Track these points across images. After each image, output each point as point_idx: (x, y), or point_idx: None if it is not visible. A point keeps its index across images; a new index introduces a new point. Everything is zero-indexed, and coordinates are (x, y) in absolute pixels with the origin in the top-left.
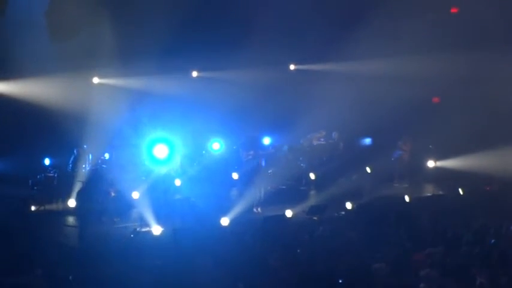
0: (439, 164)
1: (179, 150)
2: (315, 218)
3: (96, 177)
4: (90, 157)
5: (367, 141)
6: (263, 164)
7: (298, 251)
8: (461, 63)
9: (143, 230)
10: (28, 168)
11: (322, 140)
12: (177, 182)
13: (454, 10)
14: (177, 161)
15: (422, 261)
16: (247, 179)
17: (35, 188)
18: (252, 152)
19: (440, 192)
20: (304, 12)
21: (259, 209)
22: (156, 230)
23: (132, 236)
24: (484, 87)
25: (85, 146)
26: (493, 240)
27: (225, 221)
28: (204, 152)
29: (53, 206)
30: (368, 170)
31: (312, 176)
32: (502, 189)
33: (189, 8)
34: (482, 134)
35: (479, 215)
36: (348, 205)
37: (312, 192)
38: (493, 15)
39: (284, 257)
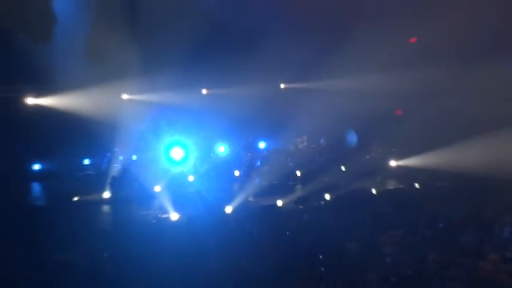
0: (400, 163)
1: (192, 153)
2: (301, 206)
3: (125, 174)
4: (121, 158)
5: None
6: (259, 163)
7: (288, 233)
8: (420, 81)
9: (163, 216)
10: (71, 167)
11: (305, 143)
12: (190, 178)
13: (412, 40)
14: (191, 161)
15: (386, 241)
16: (246, 176)
17: (77, 182)
18: (250, 154)
19: (401, 186)
20: (291, 44)
21: (252, 198)
22: (174, 216)
23: (154, 221)
24: (438, 100)
25: (116, 149)
26: (441, 225)
27: (228, 209)
28: (212, 154)
29: (91, 197)
30: (343, 168)
31: (298, 173)
32: (451, 183)
33: (200, 38)
34: (435, 139)
35: (432, 205)
36: (327, 196)
37: (298, 186)
38: (448, 41)
39: (276, 238)
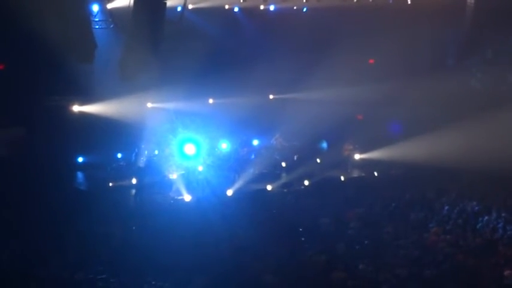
0: (362, 156)
1: (202, 148)
2: (285, 190)
3: (149, 165)
4: (146, 152)
5: (324, 144)
6: (252, 156)
7: (274, 211)
8: (377, 92)
9: (178, 197)
10: (107, 159)
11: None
12: (200, 168)
13: (371, 61)
14: (200, 155)
15: (352, 217)
16: (243, 166)
17: (112, 171)
18: (246, 149)
19: (363, 174)
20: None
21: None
22: (187, 197)
23: (172, 201)
24: (390, 107)
25: (142, 145)
26: (394, 204)
27: (229, 192)
28: (216, 149)
29: (122, 183)
30: (318, 160)
31: (283, 164)
32: (402, 172)
33: (207, 60)
34: (389, 137)
35: (387, 189)
36: (306, 182)
37: (283, 175)
38: (397, 62)
39: (266, 215)
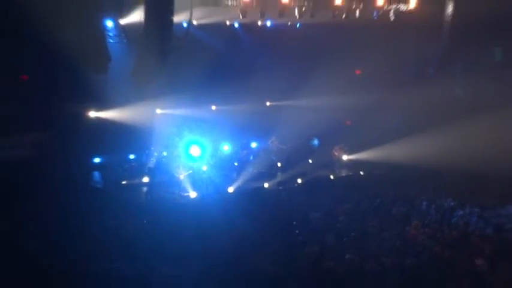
0: (350, 157)
1: (206, 150)
2: (280, 187)
3: (158, 165)
4: (155, 154)
5: (315, 141)
6: (251, 157)
7: (270, 206)
8: (363, 100)
9: (185, 194)
10: (120, 160)
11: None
12: (204, 168)
13: (357, 72)
14: (205, 156)
15: (339, 212)
16: (242, 166)
17: (124, 171)
18: (245, 151)
19: (350, 173)
20: (274, 75)
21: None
22: (192, 194)
23: (179, 198)
24: (376, 113)
25: (152, 148)
26: (378, 200)
27: (230, 190)
28: (219, 151)
29: (134, 181)
30: (310, 161)
31: (279, 164)
32: (385, 172)
33: (211, 71)
34: (374, 140)
35: (372, 187)
36: (299, 180)
37: (279, 174)
38: (382, 72)
39: (263, 210)
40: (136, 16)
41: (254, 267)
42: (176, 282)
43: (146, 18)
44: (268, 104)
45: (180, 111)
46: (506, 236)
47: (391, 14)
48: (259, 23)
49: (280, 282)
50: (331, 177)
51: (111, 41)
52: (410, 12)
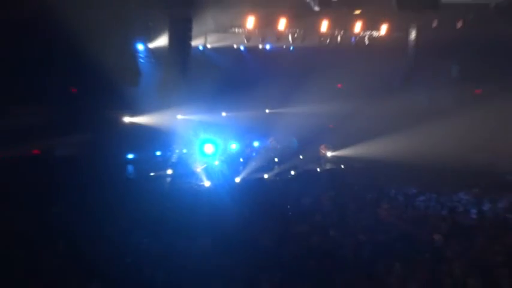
0: (333, 154)
1: (217, 148)
2: (277, 178)
3: (179, 160)
4: (177, 151)
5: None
6: (254, 154)
7: (269, 193)
8: (343, 108)
9: (201, 183)
10: (149, 156)
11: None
12: (216, 162)
13: (339, 85)
14: (217, 152)
15: (325, 198)
16: (247, 161)
17: (152, 165)
18: (249, 149)
19: (334, 167)
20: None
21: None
22: (207, 184)
23: (196, 186)
24: (353, 119)
25: (174, 146)
26: (355, 188)
27: (237, 180)
28: (228, 148)
29: (160, 173)
30: (301, 157)
31: (276, 159)
32: (362, 165)
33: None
34: (353, 140)
35: (351, 178)
36: (292, 172)
37: (276, 167)
38: (358, 86)
39: (263, 196)
40: (162, 41)
41: (255, 242)
42: (193, 253)
43: (170, 42)
44: (267, 111)
45: (196, 117)
46: (457, 217)
47: (366, 39)
48: (260, 46)
49: (276, 253)
50: (318, 169)
51: (142, 60)
52: (381, 37)
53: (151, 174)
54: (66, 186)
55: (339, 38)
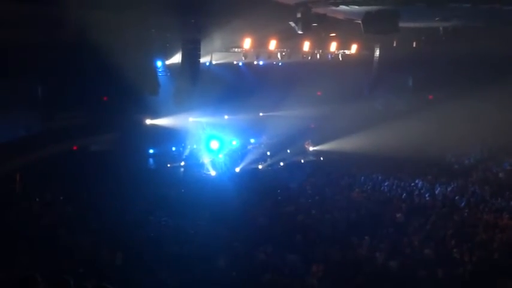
0: (314, 148)
1: (222, 143)
2: (269, 168)
3: (191, 154)
4: (189, 146)
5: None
6: (251, 149)
7: (263, 180)
8: (322, 111)
9: (208, 172)
10: (167, 151)
11: (268, 140)
12: (220, 156)
13: (319, 93)
14: (221, 148)
15: (308, 183)
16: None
17: (169, 158)
18: (247, 145)
19: (314, 159)
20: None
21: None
22: (212, 173)
23: (204, 175)
24: (330, 120)
25: (187, 142)
26: (332, 176)
27: (237, 170)
28: (230, 144)
29: (176, 164)
30: (288, 151)
31: (268, 153)
32: (338, 157)
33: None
34: (330, 137)
35: (328, 167)
36: (281, 163)
37: (268, 159)
38: (334, 93)
39: (258, 182)
40: (176, 58)
41: (252, 219)
42: (201, 229)
43: (182, 60)
44: (261, 114)
45: (204, 119)
46: (415, 199)
47: (340, 56)
48: (255, 62)
49: (269, 229)
50: (302, 161)
51: (160, 74)
52: (352, 55)
53: (168, 165)
54: (98, 176)
55: (318, 55)
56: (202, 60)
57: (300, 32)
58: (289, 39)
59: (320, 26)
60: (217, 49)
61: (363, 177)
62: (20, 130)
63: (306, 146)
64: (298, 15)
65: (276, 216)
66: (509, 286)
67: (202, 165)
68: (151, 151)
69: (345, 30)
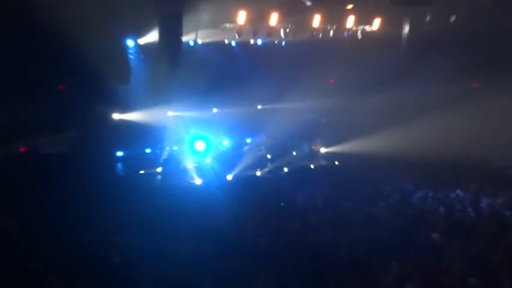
0: (326, 150)
1: (209, 145)
2: (270, 175)
3: (170, 157)
4: (167, 148)
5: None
6: (246, 151)
7: (261, 191)
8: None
9: (192, 181)
10: (139, 153)
11: (268, 139)
12: (207, 159)
13: (331, 80)
14: (208, 149)
15: (319, 195)
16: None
17: (142, 162)
18: (241, 146)
19: (327, 163)
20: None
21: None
22: (198, 181)
23: (187, 184)
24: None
25: (165, 143)
26: (351, 185)
27: (229, 177)
28: (219, 145)
29: (150, 171)
30: (294, 153)
31: (268, 156)
32: (358, 161)
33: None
34: (347, 134)
35: (344, 174)
36: (285, 169)
37: (268, 164)
38: (349, 82)
39: (255, 194)
40: (152, 37)
41: (247, 241)
42: (182, 254)
43: (160, 39)
44: (259, 107)
45: (187, 113)
46: (455, 214)
47: (359, 33)
48: (252, 41)
49: (268, 253)
50: (312, 166)
51: (132, 57)
52: (373, 32)
53: (141, 172)
54: (52, 185)
55: (331, 33)
56: (184, 39)
57: (308, 4)
58: (295, 12)
59: None
60: (204, 25)
61: (388, 187)
62: None
63: (316, 148)
64: None
65: (278, 236)
66: None
67: (184, 171)
68: (119, 154)
69: (366, 1)
